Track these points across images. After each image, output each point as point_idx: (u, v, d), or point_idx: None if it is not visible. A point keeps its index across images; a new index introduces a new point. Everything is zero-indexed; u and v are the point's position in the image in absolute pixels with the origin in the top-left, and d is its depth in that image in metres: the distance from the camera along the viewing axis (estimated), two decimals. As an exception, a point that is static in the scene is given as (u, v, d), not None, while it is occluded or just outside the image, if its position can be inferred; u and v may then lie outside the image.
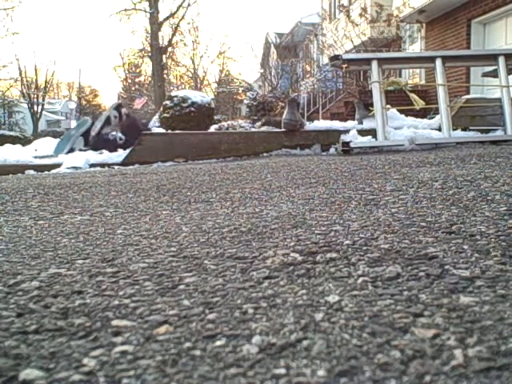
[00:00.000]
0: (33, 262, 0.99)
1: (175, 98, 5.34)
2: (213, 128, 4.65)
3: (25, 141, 15.31)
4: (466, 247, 0.94)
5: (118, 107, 4.78)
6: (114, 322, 0.67)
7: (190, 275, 0.86)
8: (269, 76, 11.87)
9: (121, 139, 4.30)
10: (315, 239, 1.06)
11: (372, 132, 4.03)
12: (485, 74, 5.12)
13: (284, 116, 4.38)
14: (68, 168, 3.78)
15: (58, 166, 3.85)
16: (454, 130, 4.11)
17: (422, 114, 5.42)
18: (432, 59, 4.13)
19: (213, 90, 24.76)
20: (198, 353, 0.58)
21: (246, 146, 4.21)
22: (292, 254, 0.96)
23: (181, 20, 21.89)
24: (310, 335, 0.61)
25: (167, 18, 21.97)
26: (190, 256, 0.98)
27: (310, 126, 4.62)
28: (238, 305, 0.72)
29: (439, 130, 4.15)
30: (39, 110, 37.32)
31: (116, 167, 3.79)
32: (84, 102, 40.85)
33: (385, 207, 1.38)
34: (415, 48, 12.67)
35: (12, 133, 23.14)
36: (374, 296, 0.72)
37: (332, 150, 4.13)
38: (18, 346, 0.61)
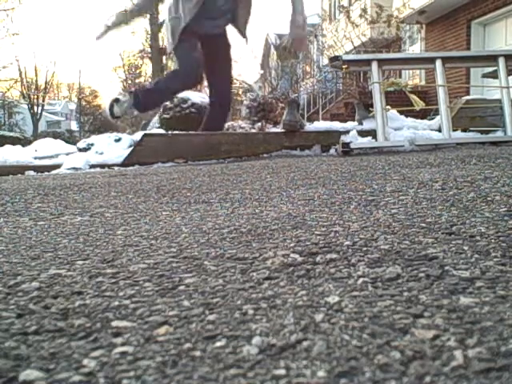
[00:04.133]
0: (33, 263, 0.99)
1: (175, 99, 5.34)
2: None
3: (25, 141, 15.33)
4: (466, 248, 0.94)
5: None
6: (114, 323, 0.67)
7: (190, 276, 0.86)
8: (269, 77, 11.88)
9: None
10: (315, 240, 1.06)
11: (372, 133, 4.03)
12: (485, 75, 5.12)
13: (284, 117, 4.38)
14: (68, 169, 3.78)
15: (58, 166, 3.84)
16: (453, 130, 4.11)
17: (422, 114, 5.42)
18: (432, 60, 4.13)
19: (213, 90, 24.69)
20: (197, 354, 0.58)
21: (246, 147, 4.20)
22: (292, 255, 0.96)
23: (181, 21, 21.90)
24: (310, 336, 0.61)
25: (167, 19, 21.95)
26: (190, 257, 0.98)
27: (310, 126, 4.61)
28: (238, 306, 0.72)
29: (439, 130, 4.15)
30: (39, 111, 37.35)
31: (116, 168, 3.78)
32: (84, 103, 40.87)
33: (385, 208, 1.38)
34: (415, 49, 12.69)
35: (12, 133, 23.17)
36: (374, 297, 0.72)
37: (332, 151, 4.13)
38: (18, 346, 0.61)
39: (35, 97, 37.00)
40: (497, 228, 1.08)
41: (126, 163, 3.91)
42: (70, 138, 23.96)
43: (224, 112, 4.53)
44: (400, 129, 4.36)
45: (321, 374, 0.52)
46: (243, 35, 4.46)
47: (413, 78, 12.59)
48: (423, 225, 1.14)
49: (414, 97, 4.50)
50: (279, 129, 4.48)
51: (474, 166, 2.25)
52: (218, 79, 4.41)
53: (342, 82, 11.34)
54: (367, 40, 10.47)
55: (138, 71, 35.81)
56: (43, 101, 38.70)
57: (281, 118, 4.55)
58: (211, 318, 0.68)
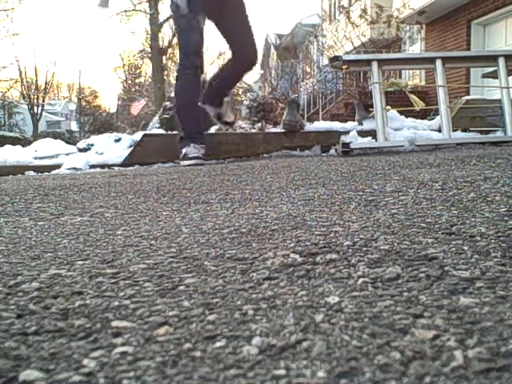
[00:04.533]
0: (33, 263, 0.99)
1: (175, 99, 5.33)
2: (213, 129, 4.64)
3: (25, 142, 15.35)
4: (466, 248, 0.94)
5: None
6: (114, 323, 0.67)
7: (190, 276, 0.86)
8: (269, 77, 11.89)
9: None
10: (315, 240, 1.06)
11: (372, 133, 4.03)
12: (485, 75, 5.12)
13: (284, 117, 4.38)
14: (68, 169, 3.78)
15: (58, 166, 3.85)
16: (453, 131, 4.11)
17: (422, 115, 5.43)
18: (432, 60, 4.14)
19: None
20: (197, 354, 0.58)
21: (246, 147, 4.21)
22: (292, 255, 0.96)
23: (181, 21, 21.82)
24: (310, 336, 0.61)
25: (167, 19, 21.93)
26: (190, 257, 0.98)
27: (310, 126, 4.62)
28: (238, 306, 0.72)
29: (439, 131, 4.15)
30: (39, 111, 37.39)
31: (116, 168, 3.79)
32: (84, 103, 40.90)
33: (385, 208, 1.38)
34: (415, 49, 12.70)
35: (12, 134, 23.21)
36: (374, 297, 0.72)
37: (332, 151, 4.13)
38: (18, 347, 0.61)
39: (35, 97, 37.02)
40: (497, 228, 1.08)
41: (126, 163, 3.91)
42: (70, 139, 23.99)
43: (242, 70, 3.93)
44: (400, 129, 4.36)
45: (321, 374, 0.52)
46: None
47: (413, 78, 12.60)
48: (423, 225, 1.14)
49: (413, 97, 4.50)
50: (279, 129, 4.48)
51: (473, 166, 2.25)
52: (238, 31, 3.90)
53: (342, 82, 11.35)
54: (367, 40, 10.47)
55: (138, 71, 35.82)
56: (43, 101, 38.72)
57: (281, 118, 4.55)
58: (211, 318, 0.68)
